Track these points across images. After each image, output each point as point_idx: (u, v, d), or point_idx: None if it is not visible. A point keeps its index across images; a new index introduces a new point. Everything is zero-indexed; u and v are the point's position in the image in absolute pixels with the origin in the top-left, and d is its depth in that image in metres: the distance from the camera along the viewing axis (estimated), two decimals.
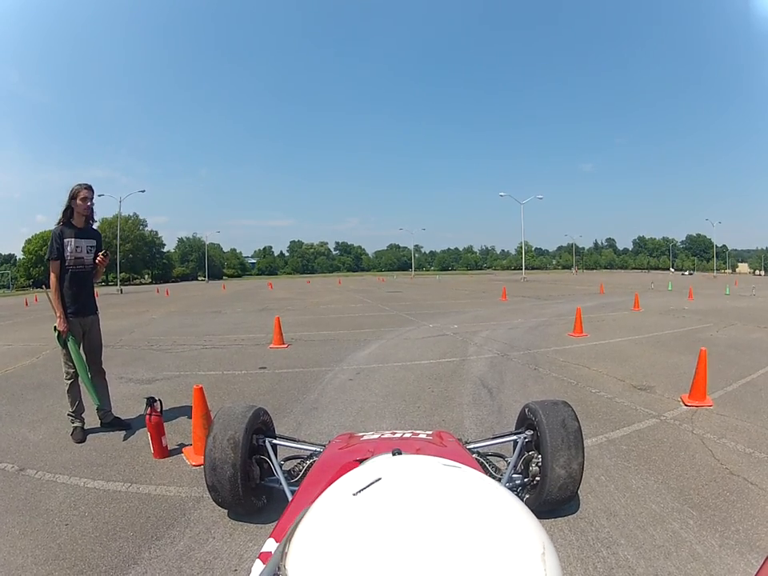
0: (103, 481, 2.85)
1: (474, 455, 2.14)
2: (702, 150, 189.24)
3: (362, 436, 1.67)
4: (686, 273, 79.40)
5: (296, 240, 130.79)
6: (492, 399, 4.52)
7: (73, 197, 3.58)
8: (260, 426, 2.42)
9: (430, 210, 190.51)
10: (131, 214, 78.12)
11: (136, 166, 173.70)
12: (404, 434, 1.62)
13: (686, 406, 4.19)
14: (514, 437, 2.47)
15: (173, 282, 73.55)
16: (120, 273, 47.19)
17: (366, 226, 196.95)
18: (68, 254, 3.57)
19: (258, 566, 0.83)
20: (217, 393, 4.80)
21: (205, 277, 77.54)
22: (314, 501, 0.96)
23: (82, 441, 3.55)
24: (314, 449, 2.35)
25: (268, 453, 2.31)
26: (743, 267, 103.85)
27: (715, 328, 9.15)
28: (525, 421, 2.48)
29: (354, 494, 0.57)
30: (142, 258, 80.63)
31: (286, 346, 7.68)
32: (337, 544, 0.51)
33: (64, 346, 3.56)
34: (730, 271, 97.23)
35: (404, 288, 30.61)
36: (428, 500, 0.54)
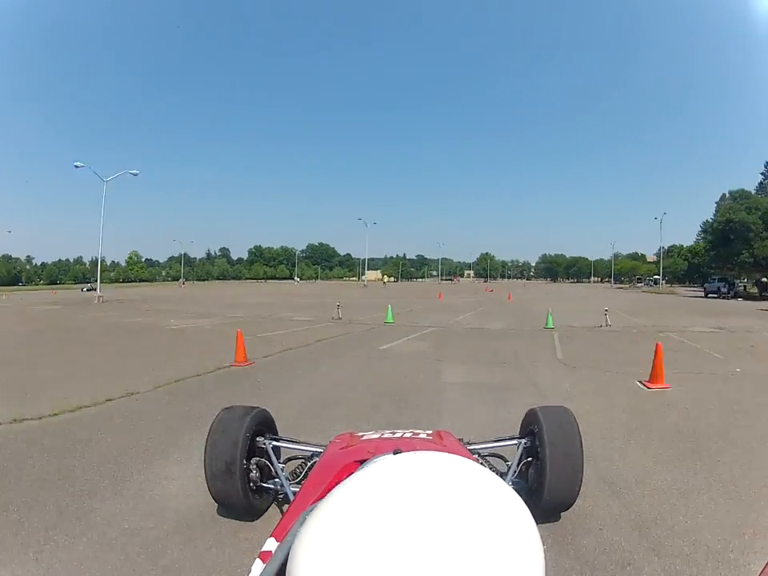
0: None
1: (474, 456, 2.11)
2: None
3: (362, 436, 1.66)
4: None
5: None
6: None
7: None
8: (261, 428, 2.40)
9: None
10: None
11: None
12: (404, 433, 1.61)
13: None
14: (515, 441, 2.43)
15: None
16: None
17: None
18: None
19: (258, 565, 0.81)
20: None
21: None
22: (315, 501, 0.97)
23: None
24: (314, 449, 2.33)
25: (269, 454, 2.30)
26: (372, 274, 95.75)
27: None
28: (527, 426, 2.44)
29: (360, 491, 0.55)
30: None
31: None
32: (340, 540, 0.49)
33: None
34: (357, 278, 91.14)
35: None
36: (429, 494, 0.52)
